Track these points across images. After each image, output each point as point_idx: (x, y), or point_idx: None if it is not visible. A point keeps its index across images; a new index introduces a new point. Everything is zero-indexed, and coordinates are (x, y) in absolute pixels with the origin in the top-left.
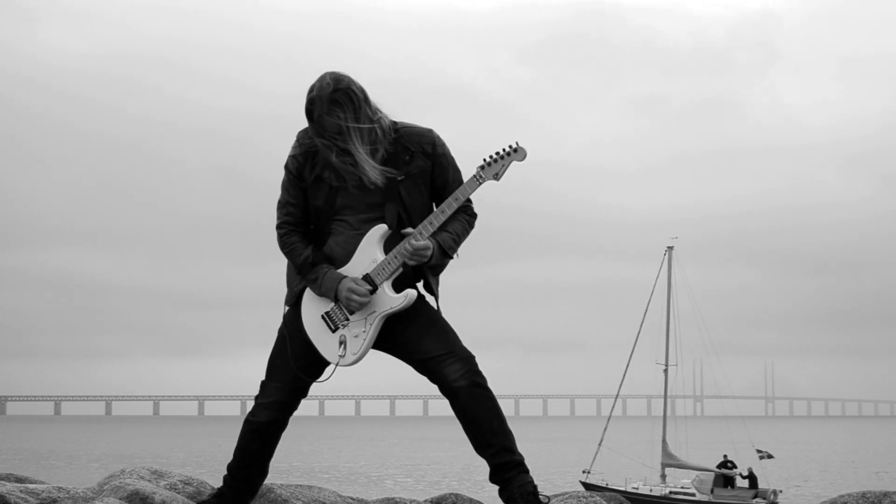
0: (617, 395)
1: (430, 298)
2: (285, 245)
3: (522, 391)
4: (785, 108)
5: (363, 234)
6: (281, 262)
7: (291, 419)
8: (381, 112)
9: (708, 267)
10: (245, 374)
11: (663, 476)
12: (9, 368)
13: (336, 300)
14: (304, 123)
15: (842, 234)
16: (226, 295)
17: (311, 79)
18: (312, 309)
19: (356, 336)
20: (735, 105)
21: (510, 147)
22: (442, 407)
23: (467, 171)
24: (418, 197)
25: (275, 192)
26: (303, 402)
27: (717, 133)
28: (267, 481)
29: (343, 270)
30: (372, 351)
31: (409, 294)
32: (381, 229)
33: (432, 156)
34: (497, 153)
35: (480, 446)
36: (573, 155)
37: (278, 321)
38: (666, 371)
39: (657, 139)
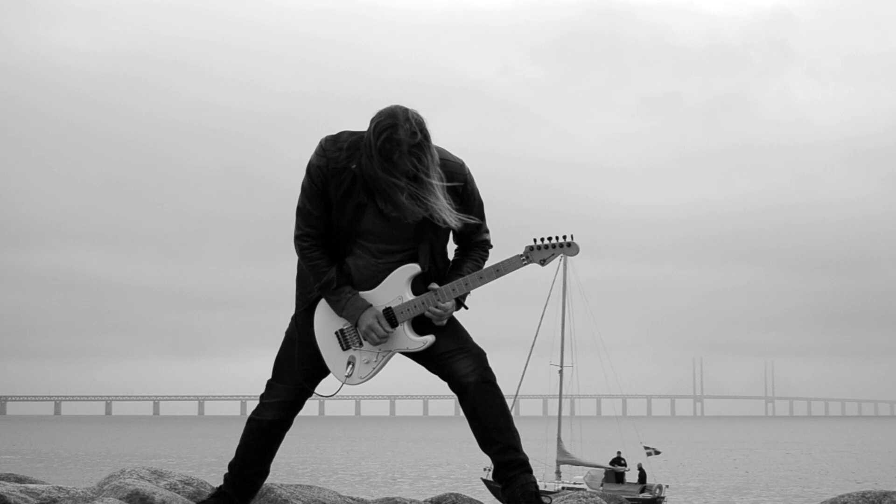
0: (516, 395)
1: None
2: (307, 259)
3: (523, 391)
4: (797, 106)
5: (383, 264)
6: (285, 264)
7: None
8: (434, 153)
9: (712, 266)
10: (245, 374)
11: (558, 473)
12: (9, 368)
13: (355, 325)
14: (310, 124)
15: (846, 233)
16: (226, 295)
17: (321, 79)
18: (326, 322)
19: (367, 362)
20: (747, 104)
21: (564, 240)
22: (442, 407)
23: (479, 172)
24: (444, 235)
25: (280, 193)
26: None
27: (729, 132)
28: (267, 481)
29: (368, 295)
30: None
31: (428, 340)
32: (414, 269)
33: (463, 193)
34: (550, 240)
35: (486, 443)
36: (585, 154)
37: (279, 321)
38: (561, 372)
39: (669, 138)
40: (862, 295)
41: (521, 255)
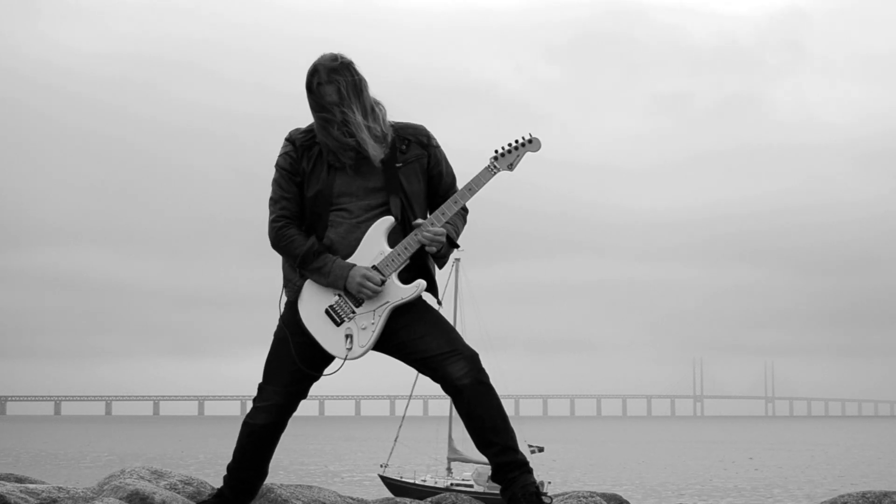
0: (410, 395)
1: (428, 298)
2: (283, 238)
3: (522, 391)
4: (810, 106)
5: (364, 224)
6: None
7: (292, 419)
8: (381, 104)
9: (714, 267)
10: (245, 374)
11: (449, 469)
12: (9, 368)
13: (345, 290)
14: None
15: (851, 233)
16: (227, 295)
17: None
18: (313, 304)
19: (364, 328)
20: (760, 104)
21: (524, 138)
22: (442, 407)
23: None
24: (416, 184)
25: None
26: (303, 402)
27: (740, 132)
28: (267, 481)
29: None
30: (372, 352)
31: (420, 284)
32: (387, 221)
33: (427, 146)
34: (511, 144)
35: (483, 445)
36: (595, 155)
37: (278, 322)
38: None
39: (681, 138)
40: (864, 295)
41: (489, 166)
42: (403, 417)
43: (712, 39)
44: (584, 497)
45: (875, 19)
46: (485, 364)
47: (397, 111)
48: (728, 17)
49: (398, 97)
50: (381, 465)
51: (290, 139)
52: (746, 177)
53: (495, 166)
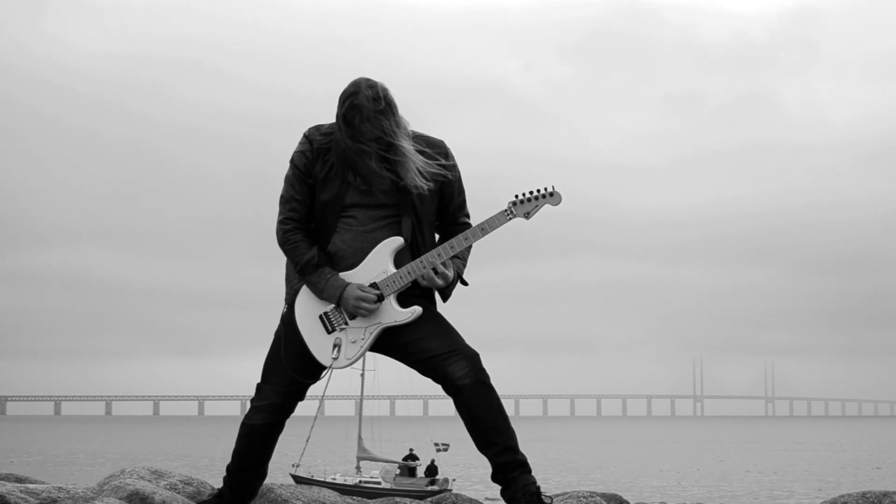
0: (323, 396)
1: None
2: (288, 242)
3: (522, 391)
4: (820, 105)
5: (371, 234)
6: (283, 261)
7: (292, 419)
8: (404, 120)
9: (716, 266)
10: (245, 374)
11: (358, 468)
12: (9, 368)
13: (338, 305)
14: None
15: (854, 232)
16: (227, 295)
17: (338, 80)
18: (309, 308)
19: (353, 342)
20: (771, 102)
21: (546, 190)
22: (442, 407)
23: (494, 175)
24: (429, 205)
25: None
26: (303, 402)
27: (751, 131)
28: (267, 481)
29: (351, 275)
30: (370, 353)
31: (416, 310)
32: (396, 241)
33: (447, 158)
34: (532, 192)
35: (484, 445)
36: (606, 153)
37: (278, 321)
38: (362, 375)
39: (691, 137)
40: (864, 295)
41: (505, 210)
42: (315, 418)
43: (724, 38)
44: (584, 497)
45: (887, 19)
46: (393, 367)
47: (407, 111)
48: (739, 16)
49: (407, 96)
50: (293, 465)
51: (309, 138)
52: (757, 176)
53: (512, 211)
